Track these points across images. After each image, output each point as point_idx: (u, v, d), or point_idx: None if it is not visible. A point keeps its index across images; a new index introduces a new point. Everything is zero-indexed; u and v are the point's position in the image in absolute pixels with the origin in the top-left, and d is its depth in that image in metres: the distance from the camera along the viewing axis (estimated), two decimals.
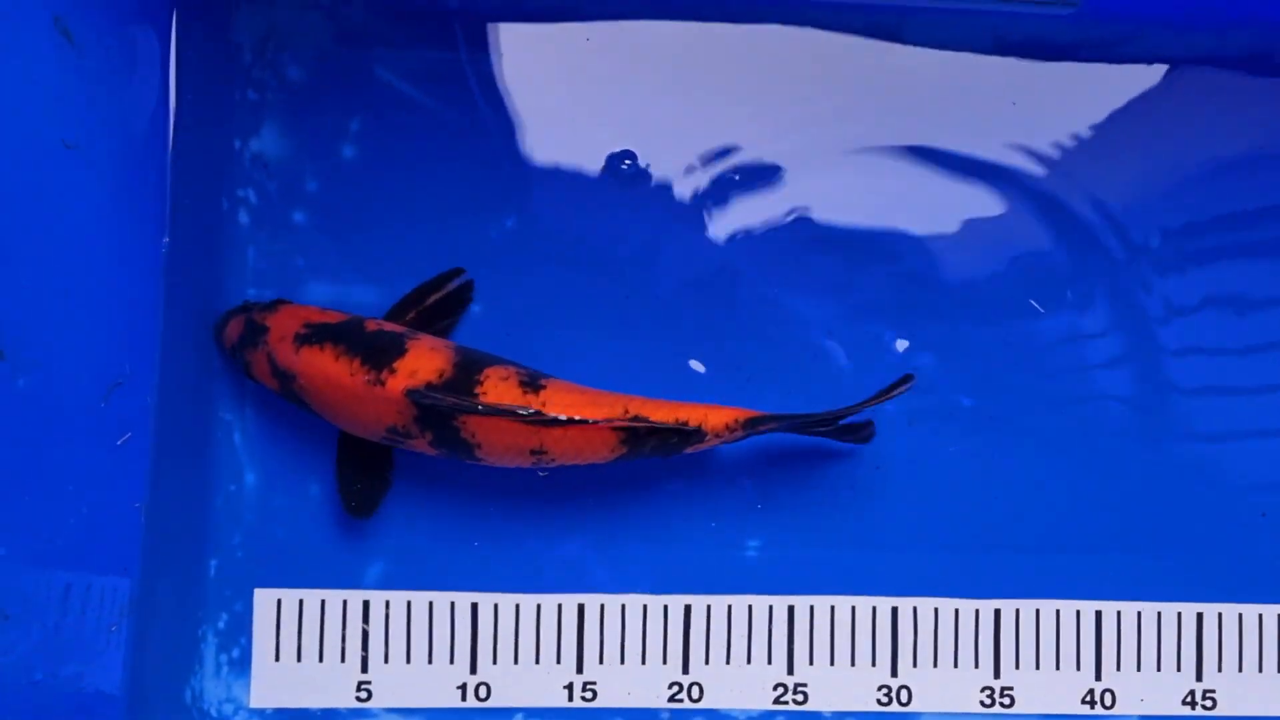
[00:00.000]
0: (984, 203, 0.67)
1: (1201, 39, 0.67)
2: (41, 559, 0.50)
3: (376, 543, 0.63)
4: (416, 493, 0.63)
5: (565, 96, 0.66)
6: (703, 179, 0.66)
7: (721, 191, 0.66)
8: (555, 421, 0.56)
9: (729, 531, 0.65)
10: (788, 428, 0.61)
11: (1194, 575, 0.65)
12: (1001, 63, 0.67)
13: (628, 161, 0.65)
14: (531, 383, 0.58)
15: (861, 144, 0.67)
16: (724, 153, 0.66)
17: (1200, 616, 0.65)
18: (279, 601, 0.62)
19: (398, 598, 0.63)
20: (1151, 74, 0.68)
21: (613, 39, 0.66)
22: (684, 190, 0.66)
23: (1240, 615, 0.65)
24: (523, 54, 0.66)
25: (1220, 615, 0.65)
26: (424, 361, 0.57)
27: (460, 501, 0.64)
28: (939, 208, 0.66)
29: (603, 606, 0.64)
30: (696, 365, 0.64)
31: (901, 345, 0.65)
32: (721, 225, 0.66)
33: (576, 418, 0.57)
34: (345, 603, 0.63)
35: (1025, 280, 0.66)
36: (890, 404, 0.64)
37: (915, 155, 0.67)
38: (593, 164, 0.65)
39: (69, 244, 0.48)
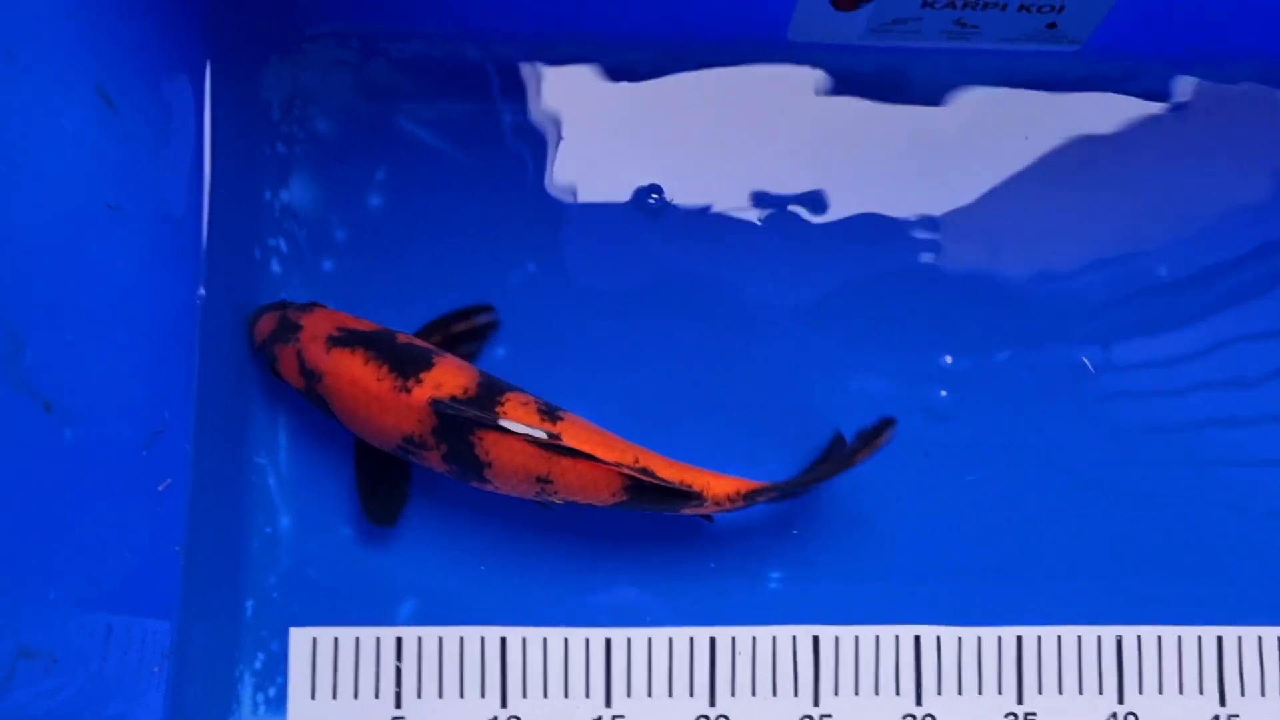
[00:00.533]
0: (1005, 235, 0.68)
1: (1205, 71, 0.69)
2: (87, 603, 0.51)
3: (407, 580, 0.65)
4: (444, 529, 0.65)
5: (587, 136, 0.68)
6: (730, 213, 0.68)
7: (747, 226, 0.68)
8: (568, 452, 0.58)
9: (751, 563, 0.66)
10: (785, 495, 0.62)
11: (1215, 599, 0.66)
12: (1010, 96, 0.69)
13: (655, 195, 0.67)
14: (550, 412, 0.60)
15: (883, 178, 0.68)
16: (751, 188, 0.68)
17: (1220, 640, 0.66)
18: (314, 640, 0.64)
19: (429, 634, 0.64)
20: (1156, 106, 0.69)
21: (645, 71, 0.68)
22: (711, 224, 0.67)
23: (1260, 638, 0.66)
24: (544, 97, 0.68)
25: (1240, 639, 0.66)
26: (450, 376, 0.59)
27: (487, 537, 0.65)
28: (959, 240, 0.68)
29: (629, 640, 0.65)
30: None
31: (947, 360, 0.67)
32: (746, 259, 0.67)
33: (588, 453, 0.58)
34: (378, 640, 0.64)
35: (1043, 311, 0.67)
36: (905, 435, 0.66)
37: (932, 188, 0.68)
38: (618, 200, 0.67)
39: (110, 300, 0.50)
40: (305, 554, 0.64)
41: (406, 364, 0.59)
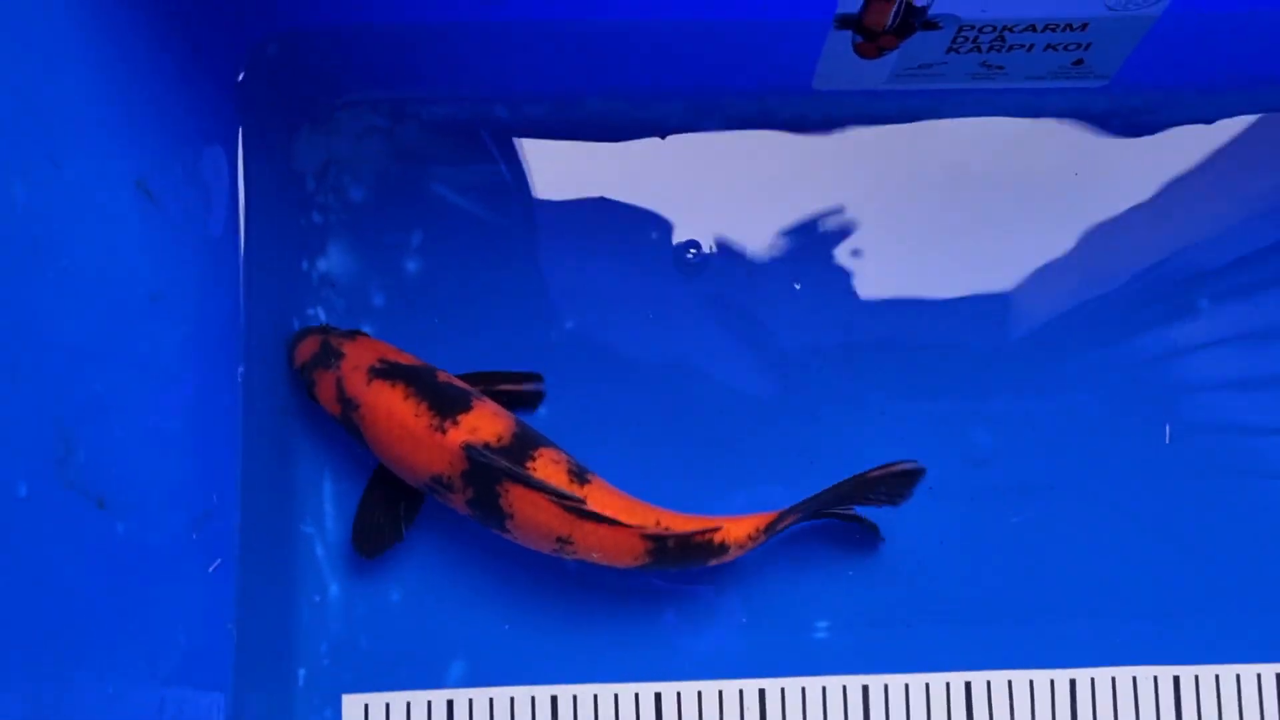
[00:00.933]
0: (1041, 274, 0.68)
1: (1232, 100, 0.68)
2: (143, 683, 0.52)
3: (456, 642, 0.65)
4: (489, 589, 0.65)
5: (621, 192, 0.68)
6: (764, 261, 0.68)
7: (780, 274, 0.68)
8: (591, 516, 0.58)
9: (798, 613, 0.66)
10: (806, 516, 0.62)
11: (1271, 636, 0.65)
12: (1039, 129, 0.69)
13: (693, 250, 0.67)
14: (579, 474, 0.60)
15: (915, 220, 0.68)
16: (785, 236, 0.68)
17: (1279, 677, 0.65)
18: (366, 706, 0.64)
19: (480, 695, 0.65)
20: (1186, 135, 0.69)
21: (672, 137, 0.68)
22: (747, 275, 0.67)
23: None
24: (574, 155, 0.68)
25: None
26: (486, 423, 0.60)
27: (531, 596, 0.65)
28: (994, 283, 0.68)
29: (679, 694, 0.65)
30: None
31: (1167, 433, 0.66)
32: (782, 309, 0.68)
33: (611, 517, 0.58)
34: (429, 704, 0.65)
35: (1079, 352, 0.67)
36: (948, 480, 0.66)
37: (965, 229, 0.68)
38: (655, 256, 0.67)
39: (155, 389, 0.51)
40: (355, 620, 0.65)
41: (445, 404, 0.60)
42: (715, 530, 0.60)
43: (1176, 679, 0.65)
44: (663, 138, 0.68)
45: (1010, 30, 0.62)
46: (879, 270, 0.68)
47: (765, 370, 0.67)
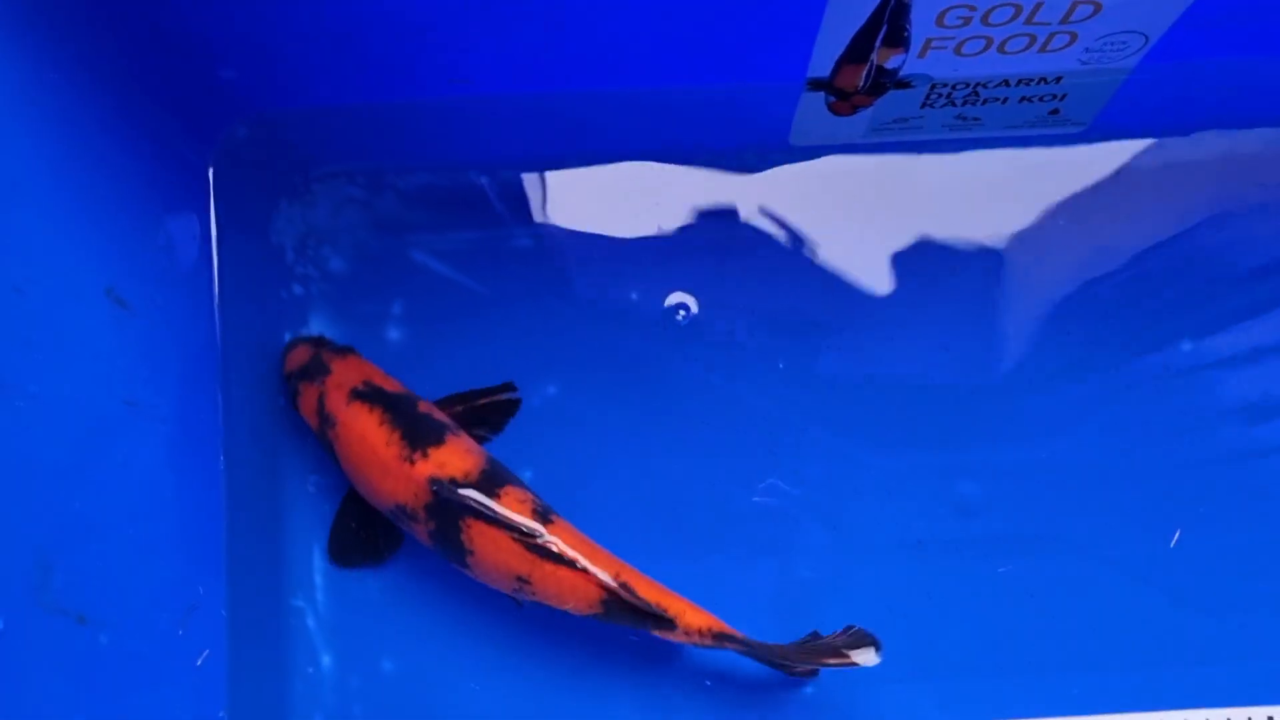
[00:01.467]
0: (1022, 324, 0.68)
1: (1212, 143, 0.68)
2: None
3: (451, 712, 0.65)
4: (484, 660, 0.66)
5: (601, 256, 0.68)
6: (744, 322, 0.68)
7: (762, 332, 0.68)
8: (550, 555, 0.58)
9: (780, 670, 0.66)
10: (751, 655, 0.61)
11: (1263, 681, 0.65)
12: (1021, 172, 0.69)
13: (683, 312, 0.67)
14: (543, 514, 0.60)
15: (896, 271, 0.68)
16: (768, 296, 0.68)
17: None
18: None
19: None
20: (1167, 176, 0.69)
21: (654, 183, 0.68)
22: (740, 340, 0.68)
23: None
24: (552, 218, 0.68)
25: None
26: (456, 459, 0.60)
27: (528, 667, 0.66)
28: (977, 333, 0.68)
29: None
30: None
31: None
32: (762, 367, 0.68)
33: (572, 560, 0.58)
34: None
35: (1057, 400, 0.67)
36: (938, 531, 0.66)
37: (947, 278, 0.68)
38: (641, 318, 0.67)
39: (134, 496, 0.51)
40: (348, 691, 0.65)
41: (418, 436, 0.60)
42: (667, 610, 0.59)
43: None
44: (644, 198, 0.68)
45: (984, 86, 0.62)
46: (858, 317, 0.68)
47: (749, 430, 0.67)
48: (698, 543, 0.66)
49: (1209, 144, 0.69)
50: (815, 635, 0.62)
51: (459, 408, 0.65)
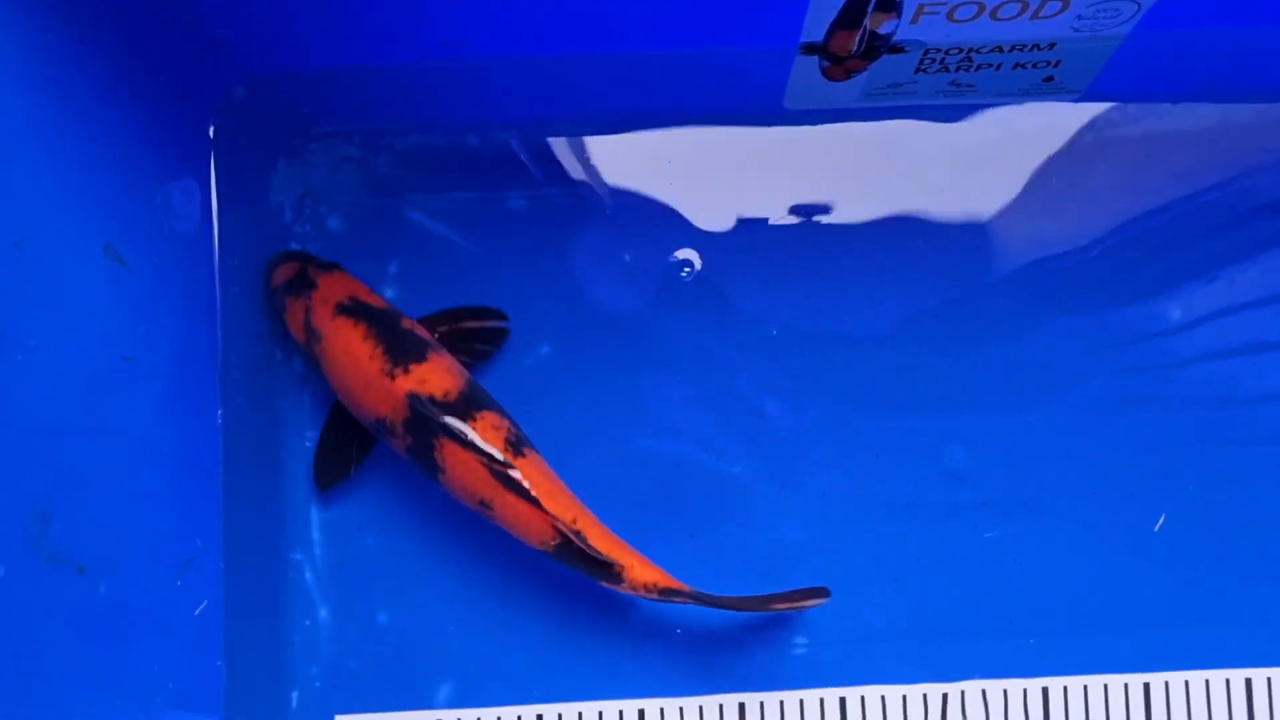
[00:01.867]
0: (1018, 291, 0.68)
1: (1206, 112, 0.68)
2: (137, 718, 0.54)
3: (444, 664, 0.67)
4: (477, 612, 0.67)
5: (596, 216, 0.69)
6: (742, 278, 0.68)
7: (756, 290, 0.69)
8: (513, 486, 0.59)
9: (777, 629, 0.67)
10: (700, 604, 0.62)
11: (1242, 641, 0.66)
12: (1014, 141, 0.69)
13: (687, 269, 0.68)
14: (516, 445, 0.61)
15: (889, 236, 0.69)
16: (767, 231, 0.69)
17: (1249, 682, 0.66)
18: None
19: (468, 715, 0.67)
20: (1160, 144, 0.69)
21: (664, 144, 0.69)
22: (735, 303, 0.68)
23: None
24: (546, 181, 0.69)
25: (1270, 680, 0.66)
26: (436, 376, 0.61)
27: (517, 619, 0.67)
28: (970, 297, 0.68)
29: (662, 710, 0.67)
30: None
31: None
32: (756, 329, 0.68)
33: (532, 494, 0.59)
34: None
35: (1046, 368, 0.68)
36: (927, 496, 0.67)
37: (943, 243, 0.69)
38: (638, 278, 0.68)
39: (131, 449, 0.52)
40: (345, 643, 0.67)
41: (401, 351, 0.61)
42: (617, 563, 0.61)
43: (1147, 686, 0.66)
44: (638, 158, 0.69)
45: (977, 51, 0.62)
46: (852, 282, 0.69)
47: (739, 392, 0.68)
48: (686, 504, 0.67)
49: (1201, 113, 0.69)
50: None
51: (444, 328, 0.65)
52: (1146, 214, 0.69)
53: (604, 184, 0.69)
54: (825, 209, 0.69)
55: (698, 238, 0.69)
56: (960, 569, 0.67)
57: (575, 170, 0.69)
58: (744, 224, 0.69)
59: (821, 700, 0.67)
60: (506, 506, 0.60)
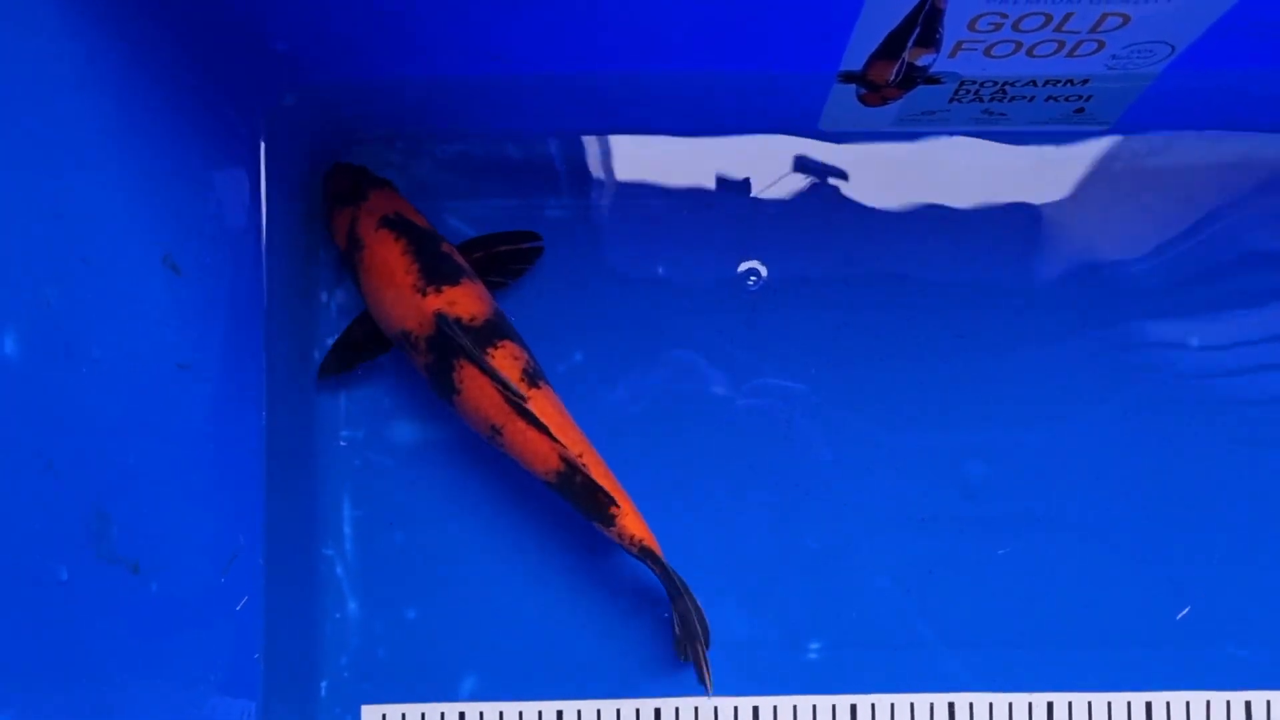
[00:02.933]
0: (1034, 311, 0.70)
1: (1234, 146, 0.69)
2: (180, 707, 0.56)
3: (468, 658, 0.69)
4: (500, 609, 0.69)
5: (631, 227, 0.70)
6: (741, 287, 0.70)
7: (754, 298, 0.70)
8: (524, 414, 0.61)
9: (791, 634, 0.69)
10: (667, 586, 0.64)
11: (1249, 663, 0.68)
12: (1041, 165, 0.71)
13: (754, 278, 0.69)
14: (532, 376, 0.63)
15: (911, 251, 0.70)
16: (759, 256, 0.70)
17: (1249, 705, 0.68)
18: (383, 716, 0.69)
19: (490, 709, 0.69)
20: (1188, 176, 0.70)
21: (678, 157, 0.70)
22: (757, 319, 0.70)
23: None
24: (586, 192, 0.70)
25: (1269, 703, 0.68)
26: (466, 300, 0.63)
27: (539, 616, 0.69)
28: (990, 317, 0.70)
29: (677, 710, 0.69)
30: None
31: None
32: (774, 339, 0.70)
33: (542, 423, 0.62)
34: (443, 715, 0.69)
35: (1066, 386, 0.69)
36: (944, 509, 0.69)
37: (960, 265, 0.70)
38: (667, 289, 0.70)
39: (182, 451, 0.54)
40: (373, 635, 0.69)
41: (435, 272, 0.63)
42: (613, 504, 0.63)
43: (1149, 705, 0.68)
44: (673, 174, 0.70)
45: (1011, 84, 0.63)
46: (872, 302, 0.70)
47: (766, 406, 0.70)
48: (711, 512, 0.69)
49: (1228, 145, 0.70)
50: (687, 644, 0.65)
51: (479, 253, 0.67)
52: (1170, 241, 0.70)
53: (636, 191, 0.70)
54: (850, 220, 0.70)
55: (756, 248, 0.70)
56: (974, 582, 0.69)
57: (608, 179, 0.70)
58: (768, 232, 0.70)
59: (834, 706, 0.69)
60: (517, 433, 0.62)
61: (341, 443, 0.69)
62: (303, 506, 0.67)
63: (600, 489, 0.62)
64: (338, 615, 0.69)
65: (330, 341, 0.69)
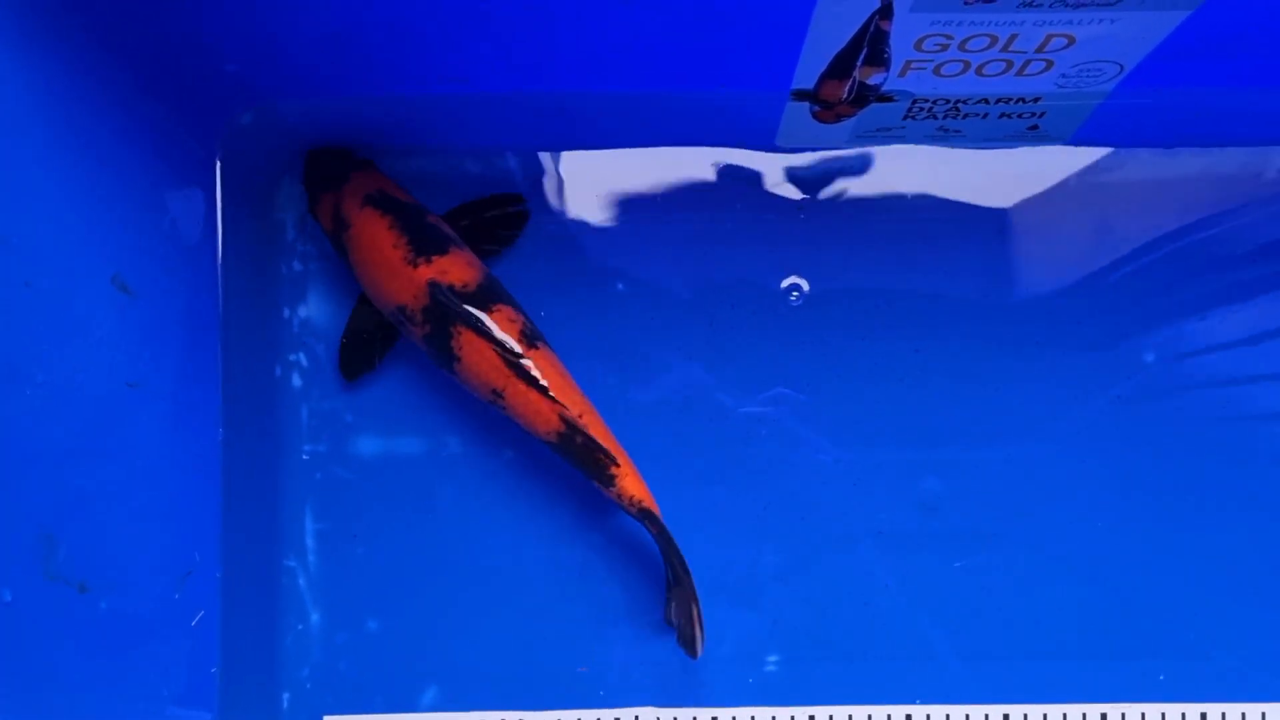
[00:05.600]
0: (992, 326, 0.70)
1: (1187, 161, 0.70)
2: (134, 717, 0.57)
3: (429, 669, 0.70)
4: (461, 619, 0.70)
5: (589, 242, 0.71)
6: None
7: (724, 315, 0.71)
8: (525, 375, 0.62)
9: (750, 646, 0.70)
10: (662, 550, 0.65)
11: (1204, 675, 0.69)
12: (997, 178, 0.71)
13: (796, 293, 0.70)
14: (530, 338, 0.64)
15: (871, 267, 0.71)
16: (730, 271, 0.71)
17: (1204, 716, 0.69)
18: None
19: (451, 718, 0.70)
20: (1139, 189, 0.71)
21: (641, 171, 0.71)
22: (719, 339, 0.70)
23: (1243, 714, 0.69)
24: (543, 206, 0.71)
25: (1224, 715, 0.69)
26: (457, 268, 0.64)
27: (500, 627, 0.69)
28: (948, 330, 0.70)
29: (637, 718, 0.70)
30: None
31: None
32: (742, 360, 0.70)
33: (542, 383, 0.62)
34: None
35: (1022, 404, 0.70)
36: (900, 525, 0.69)
37: (918, 279, 0.71)
38: (669, 295, 0.70)
39: (134, 469, 0.54)
40: (335, 647, 0.70)
41: (424, 243, 0.64)
42: (614, 463, 0.63)
43: (1104, 715, 0.69)
44: (630, 187, 0.71)
45: (964, 102, 0.64)
46: (831, 315, 0.71)
47: (722, 424, 0.70)
48: (674, 527, 0.70)
49: (1184, 160, 0.70)
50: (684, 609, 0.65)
51: (465, 221, 0.68)
52: (1124, 257, 0.71)
53: (597, 207, 0.71)
54: (802, 236, 0.71)
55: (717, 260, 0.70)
56: (929, 596, 0.69)
57: (567, 195, 0.71)
58: (732, 248, 0.71)
59: (792, 717, 0.69)
60: (518, 395, 0.63)
61: (304, 456, 0.70)
62: (264, 520, 0.68)
63: (601, 448, 0.63)
64: (300, 627, 0.70)
65: (321, 350, 0.69)
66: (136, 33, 0.53)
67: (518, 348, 0.63)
